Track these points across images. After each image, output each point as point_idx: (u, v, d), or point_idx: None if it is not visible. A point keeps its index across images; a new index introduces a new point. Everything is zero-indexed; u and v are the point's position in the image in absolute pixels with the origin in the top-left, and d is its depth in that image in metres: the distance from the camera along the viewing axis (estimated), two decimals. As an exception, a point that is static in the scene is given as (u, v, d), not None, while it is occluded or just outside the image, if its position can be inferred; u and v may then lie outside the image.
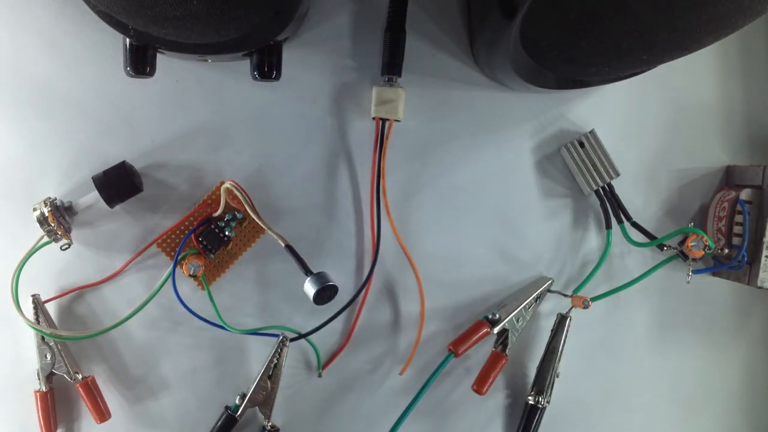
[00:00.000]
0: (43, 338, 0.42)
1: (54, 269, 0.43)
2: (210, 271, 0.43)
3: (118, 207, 0.42)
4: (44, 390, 0.42)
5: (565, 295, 0.45)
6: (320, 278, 0.38)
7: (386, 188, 0.43)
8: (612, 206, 0.45)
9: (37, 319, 0.41)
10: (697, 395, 0.49)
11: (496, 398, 0.47)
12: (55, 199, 0.41)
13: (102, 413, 0.42)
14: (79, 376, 0.42)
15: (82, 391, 0.42)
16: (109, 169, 0.41)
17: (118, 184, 0.41)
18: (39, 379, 0.42)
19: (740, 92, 0.47)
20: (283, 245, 0.40)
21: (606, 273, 0.47)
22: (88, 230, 0.43)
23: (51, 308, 0.43)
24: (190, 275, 0.41)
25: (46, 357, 0.42)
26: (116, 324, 0.41)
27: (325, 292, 0.38)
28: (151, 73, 0.37)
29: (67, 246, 0.42)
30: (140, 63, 0.36)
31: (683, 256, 0.44)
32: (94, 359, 0.44)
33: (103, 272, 0.43)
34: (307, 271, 0.39)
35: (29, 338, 0.42)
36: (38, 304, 0.42)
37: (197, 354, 0.44)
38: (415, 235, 0.45)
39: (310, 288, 0.38)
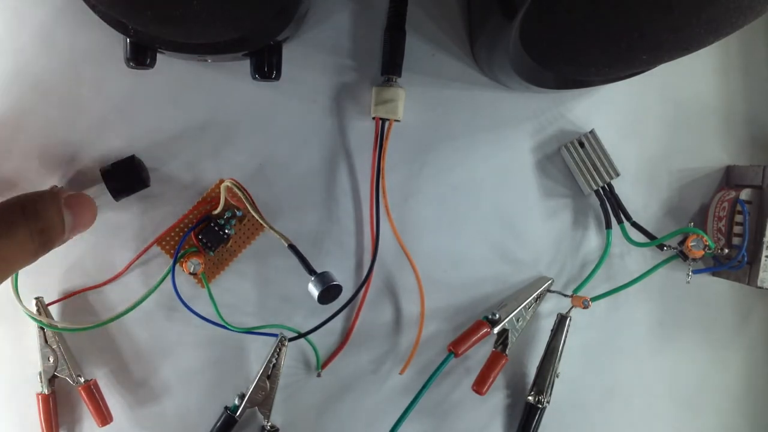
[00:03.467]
0: (45, 341, 0.42)
1: (55, 271, 0.43)
2: (209, 269, 0.44)
3: (118, 206, 0.42)
4: (46, 393, 0.42)
5: (565, 295, 0.45)
6: (324, 278, 0.38)
7: (386, 188, 0.43)
8: (612, 206, 0.45)
9: (42, 324, 0.41)
10: (697, 395, 0.49)
11: (496, 398, 0.47)
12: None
13: (104, 416, 0.42)
14: (82, 379, 0.42)
15: (84, 394, 0.42)
16: (118, 162, 0.41)
17: (126, 177, 0.41)
18: (41, 381, 0.42)
19: (740, 92, 0.47)
20: (286, 245, 0.40)
21: (606, 273, 0.47)
22: (88, 230, 0.43)
23: (54, 311, 0.43)
24: (190, 273, 0.41)
25: (48, 360, 0.42)
26: (113, 318, 0.41)
27: (330, 292, 0.38)
28: (152, 65, 0.37)
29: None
30: (141, 55, 0.36)
31: (683, 256, 0.44)
32: (96, 362, 0.44)
33: (105, 272, 0.43)
34: (311, 271, 0.39)
35: (31, 340, 0.42)
36: (41, 307, 0.42)
37: (197, 354, 0.44)
38: (415, 235, 0.45)
39: (314, 288, 0.38)
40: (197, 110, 0.43)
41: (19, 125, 0.42)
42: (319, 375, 0.45)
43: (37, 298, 0.42)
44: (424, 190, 0.45)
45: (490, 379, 0.44)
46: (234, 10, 0.31)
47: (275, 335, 0.43)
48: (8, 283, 0.41)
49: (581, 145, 0.45)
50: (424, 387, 0.42)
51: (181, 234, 0.43)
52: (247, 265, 0.44)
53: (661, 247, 0.45)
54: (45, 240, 0.35)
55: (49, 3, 0.41)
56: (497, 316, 0.44)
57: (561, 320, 0.45)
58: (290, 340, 0.43)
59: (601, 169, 0.45)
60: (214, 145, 0.43)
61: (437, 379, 0.42)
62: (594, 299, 0.45)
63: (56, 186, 0.41)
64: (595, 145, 0.45)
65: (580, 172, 0.45)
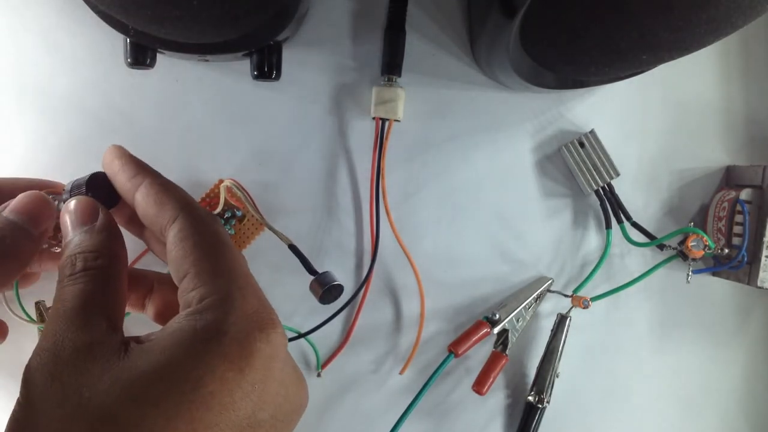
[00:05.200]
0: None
1: (56, 274, 0.43)
2: (210, 271, 0.43)
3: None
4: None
5: (565, 295, 0.45)
6: (326, 278, 0.38)
7: (386, 188, 0.43)
8: (612, 206, 0.45)
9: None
10: (697, 395, 0.49)
11: (496, 398, 0.47)
12: None
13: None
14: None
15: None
16: (77, 183, 0.33)
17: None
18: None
19: (741, 92, 0.47)
20: (286, 245, 0.40)
21: (606, 273, 0.47)
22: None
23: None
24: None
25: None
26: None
27: (331, 292, 0.38)
28: (152, 65, 0.37)
29: (58, 250, 0.39)
30: (140, 55, 0.36)
31: (683, 256, 0.44)
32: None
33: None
34: (313, 271, 0.39)
35: (33, 342, 0.42)
36: (43, 311, 0.42)
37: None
38: (415, 235, 0.45)
39: (315, 288, 0.38)
40: (197, 110, 0.43)
41: (18, 125, 0.42)
42: (319, 375, 0.45)
43: (37, 303, 0.41)
44: (424, 190, 0.45)
45: (490, 379, 0.44)
46: (234, 10, 0.31)
47: (275, 335, 0.43)
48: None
49: (581, 145, 0.45)
50: (424, 387, 0.42)
51: (181, 234, 0.43)
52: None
53: (661, 247, 0.45)
54: None
55: (49, 3, 0.41)
56: (497, 316, 0.44)
57: (561, 320, 0.45)
58: (290, 340, 0.43)
59: (601, 169, 0.45)
60: (214, 145, 0.43)
61: (437, 379, 0.42)
62: (594, 299, 0.45)
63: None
64: (595, 145, 0.45)
65: (580, 172, 0.45)
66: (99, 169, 0.41)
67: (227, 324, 0.23)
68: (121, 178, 0.28)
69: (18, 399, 0.23)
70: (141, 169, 0.28)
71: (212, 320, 0.23)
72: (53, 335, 0.23)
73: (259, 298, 0.25)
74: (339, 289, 0.38)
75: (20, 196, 0.30)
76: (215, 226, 0.27)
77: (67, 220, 0.28)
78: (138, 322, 0.43)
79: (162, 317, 0.31)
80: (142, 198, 0.27)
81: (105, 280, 0.25)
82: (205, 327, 0.23)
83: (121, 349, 0.23)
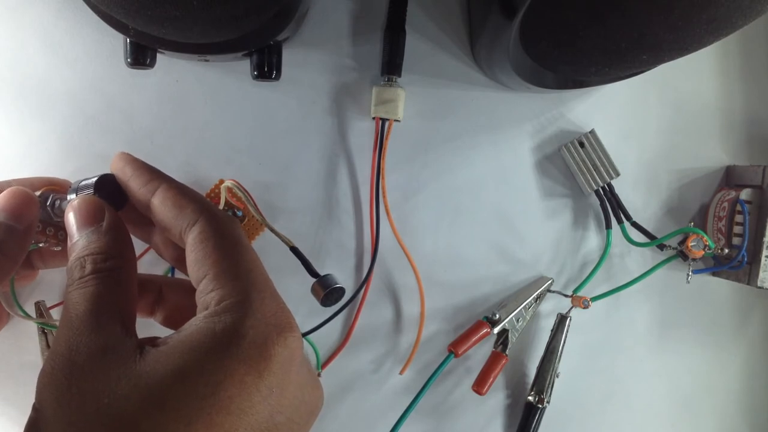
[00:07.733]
0: (47, 344, 0.42)
1: (56, 275, 0.43)
2: (210, 271, 0.43)
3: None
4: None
5: (565, 295, 0.45)
6: (327, 281, 0.38)
7: (386, 188, 0.43)
8: (612, 206, 0.45)
9: (42, 324, 0.41)
10: (697, 395, 0.49)
11: (496, 398, 0.47)
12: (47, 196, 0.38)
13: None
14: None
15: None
16: (85, 184, 0.31)
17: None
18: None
19: (740, 92, 0.47)
20: (288, 247, 0.40)
21: (606, 273, 0.47)
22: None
23: (56, 315, 0.43)
24: (190, 275, 0.41)
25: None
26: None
27: (333, 295, 0.38)
28: (152, 65, 0.37)
29: (59, 249, 0.39)
30: (140, 55, 0.36)
31: (683, 256, 0.44)
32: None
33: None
34: (314, 274, 0.39)
35: (32, 341, 0.42)
36: (43, 310, 0.41)
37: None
38: (415, 235, 0.45)
39: (317, 291, 0.38)
40: (197, 110, 0.43)
41: (18, 125, 0.42)
42: (319, 375, 0.45)
43: (37, 303, 0.41)
44: (424, 190, 0.45)
45: (490, 379, 0.44)
46: (234, 10, 0.31)
47: (275, 335, 0.43)
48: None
49: (581, 145, 0.45)
50: (424, 387, 0.42)
51: (181, 234, 0.43)
52: (247, 265, 0.44)
53: (661, 247, 0.45)
54: None
55: (49, 3, 0.41)
56: (497, 316, 0.44)
57: (561, 320, 0.45)
58: (290, 340, 0.43)
59: (601, 168, 0.45)
60: (214, 145, 0.43)
61: (437, 379, 0.42)
62: (594, 299, 0.45)
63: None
64: (595, 144, 0.45)
65: (580, 172, 0.45)
66: (100, 170, 0.41)
67: (246, 327, 0.23)
68: (135, 184, 0.28)
69: (34, 405, 0.23)
70: (155, 174, 0.28)
71: (231, 323, 0.23)
72: (66, 340, 0.23)
73: (277, 300, 0.25)
74: (340, 292, 0.38)
75: (1, 195, 0.30)
76: (235, 229, 0.27)
77: (72, 220, 0.27)
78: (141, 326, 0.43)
79: (172, 322, 0.31)
80: (159, 202, 0.27)
81: (116, 283, 0.25)
82: (223, 330, 0.23)
83: (136, 352, 0.22)
